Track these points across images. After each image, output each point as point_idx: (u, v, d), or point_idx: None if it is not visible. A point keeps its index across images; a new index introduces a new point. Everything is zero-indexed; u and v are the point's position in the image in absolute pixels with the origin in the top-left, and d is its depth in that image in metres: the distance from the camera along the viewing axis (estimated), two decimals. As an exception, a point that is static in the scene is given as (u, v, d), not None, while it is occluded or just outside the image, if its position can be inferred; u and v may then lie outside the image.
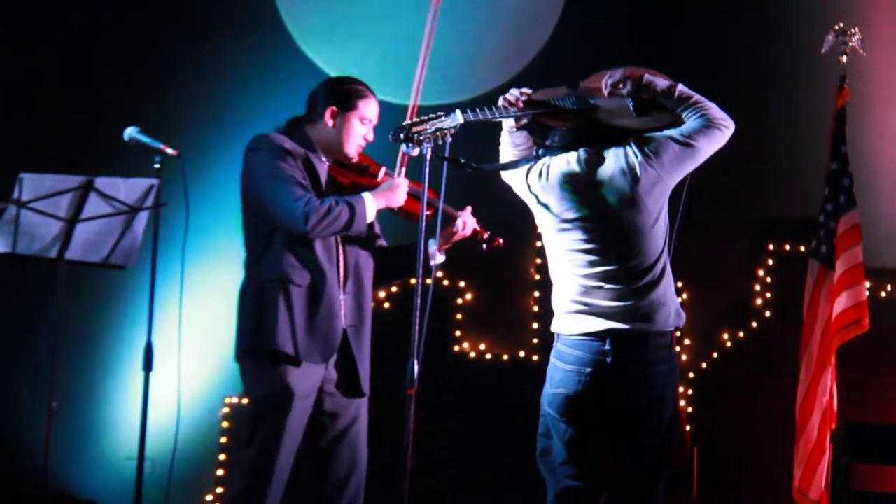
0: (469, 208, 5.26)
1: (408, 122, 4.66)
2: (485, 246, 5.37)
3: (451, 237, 5.26)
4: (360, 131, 5.17)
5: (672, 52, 7.74)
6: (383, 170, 5.26)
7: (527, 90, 4.77)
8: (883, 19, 7.99)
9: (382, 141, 5.20)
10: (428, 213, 5.08)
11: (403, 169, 5.21)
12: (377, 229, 5.36)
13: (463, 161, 4.68)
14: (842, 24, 7.46)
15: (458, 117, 4.59)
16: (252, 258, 5.10)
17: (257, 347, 5.01)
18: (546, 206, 4.74)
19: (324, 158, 5.18)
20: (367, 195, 5.05)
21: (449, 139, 4.59)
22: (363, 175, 5.23)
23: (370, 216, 5.05)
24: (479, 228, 5.31)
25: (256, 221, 5.09)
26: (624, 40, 7.85)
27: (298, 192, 4.93)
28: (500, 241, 5.38)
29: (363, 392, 5.18)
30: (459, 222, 5.23)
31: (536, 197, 4.77)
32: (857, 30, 7.46)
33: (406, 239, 5.31)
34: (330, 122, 5.14)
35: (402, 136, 4.58)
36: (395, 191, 5.11)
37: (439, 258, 5.27)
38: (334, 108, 5.14)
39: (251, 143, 5.09)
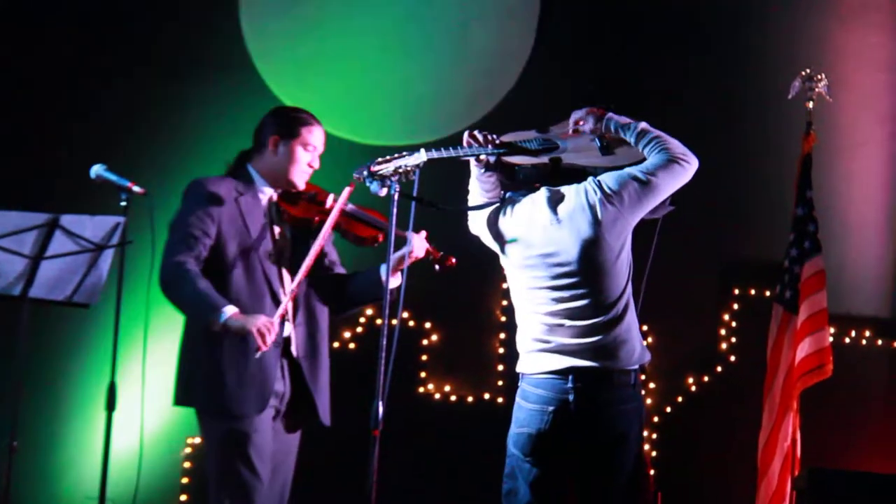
0: (424, 232, 5.12)
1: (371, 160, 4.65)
2: (437, 266, 5.20)
3: (402, 260, 4.94)
4: (304, 158, 5.15)
5: (640, 93, 7.77)
6: (331, 196, 5.21)
7: (493, 135, 4.77)
8: (849, 66, 8.06)
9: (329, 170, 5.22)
10: (380, 238, 5.10)
11: (349, 192, 5.06)
12: (333, 256, 5.30)
13: (427, 200, 4.67)
14: (808, 71, 7.53)
15: (421, 155, 4.58)
16: None
17: (197, 399, 5.05)
18: (508, 245, 4.75)
19: (266, 191, 5.15)
20: (229, 312, 4.83)
21: (415, 177, 4.58)
22: (312, 203, 5.19)
23: (213, 328, 4.85)
24: (431, 248, 5.17)
25: None
26: (593, 82, 7.87)
27: (180, 253, 4.89)
28: (453, 260, 5.20)
29: (324, 422, 5.13)
30: (409, 244, 4.94)
31: (499, 236, 4.79)
32: (823, 76, 7.52)
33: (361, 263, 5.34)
34: (273, 151, 5.14)
35: (365, 173, 4.57)
36: (258, 325, 4.82)
37: (394, 282, 5.01)
38: (276, 136, 5.14)
39: (187, 187, 5.10)
